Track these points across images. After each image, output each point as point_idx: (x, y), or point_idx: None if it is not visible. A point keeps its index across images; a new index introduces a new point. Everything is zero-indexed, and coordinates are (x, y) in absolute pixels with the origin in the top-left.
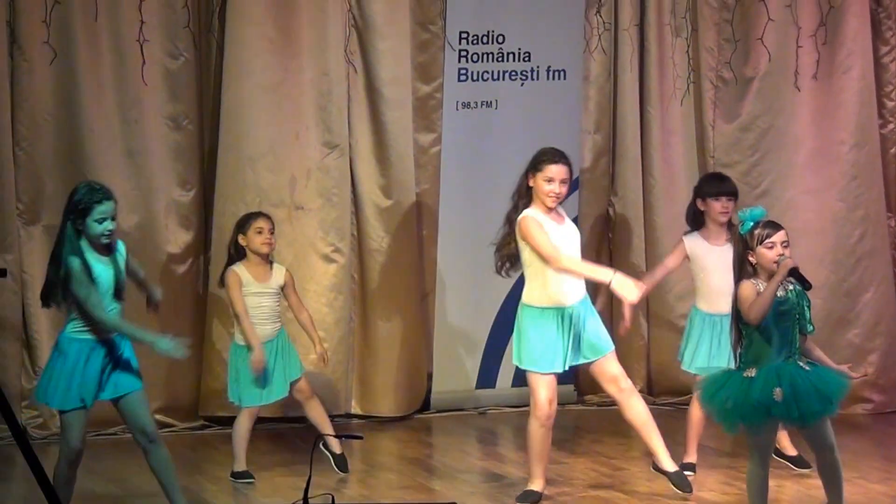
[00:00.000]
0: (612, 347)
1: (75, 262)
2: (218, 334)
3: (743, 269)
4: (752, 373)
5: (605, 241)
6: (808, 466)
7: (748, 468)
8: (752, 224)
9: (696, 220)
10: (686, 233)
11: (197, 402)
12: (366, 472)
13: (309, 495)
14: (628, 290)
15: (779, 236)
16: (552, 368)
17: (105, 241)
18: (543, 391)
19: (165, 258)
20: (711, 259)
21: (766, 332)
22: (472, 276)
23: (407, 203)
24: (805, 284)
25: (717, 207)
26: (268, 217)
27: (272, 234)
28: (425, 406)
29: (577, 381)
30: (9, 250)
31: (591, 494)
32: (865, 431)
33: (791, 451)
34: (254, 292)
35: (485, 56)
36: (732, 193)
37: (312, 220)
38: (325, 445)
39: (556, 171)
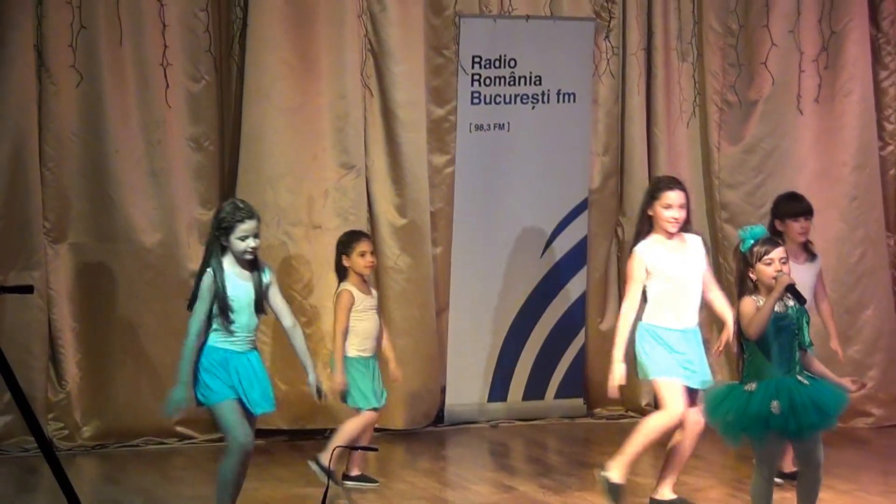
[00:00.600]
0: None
1: (206, 277)
2: None
3: (744, 285)
4: (752, 387)
5: (614, 261)
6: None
7: (753, 480)
8: (752, 242)
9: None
10: None
11: None
12: (381, 484)
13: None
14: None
15: (777, 253)
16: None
17: (248, 257)
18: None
19: (187, 275)
20: (796, 277)
21: (765, 346)
22: (486, 292)
23: (421, 222)
24: (801, 300)
25: (797, 228)
26: (369, 238)
27: (373, 255)
28: (439, 419)
29: (587, 395)
30: (36, 267)
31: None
32: (866, 444)
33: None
34: (362, 309)
35: (497, 80)
36: (810, 212)
37: (330, 239)
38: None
39: (673, 197)
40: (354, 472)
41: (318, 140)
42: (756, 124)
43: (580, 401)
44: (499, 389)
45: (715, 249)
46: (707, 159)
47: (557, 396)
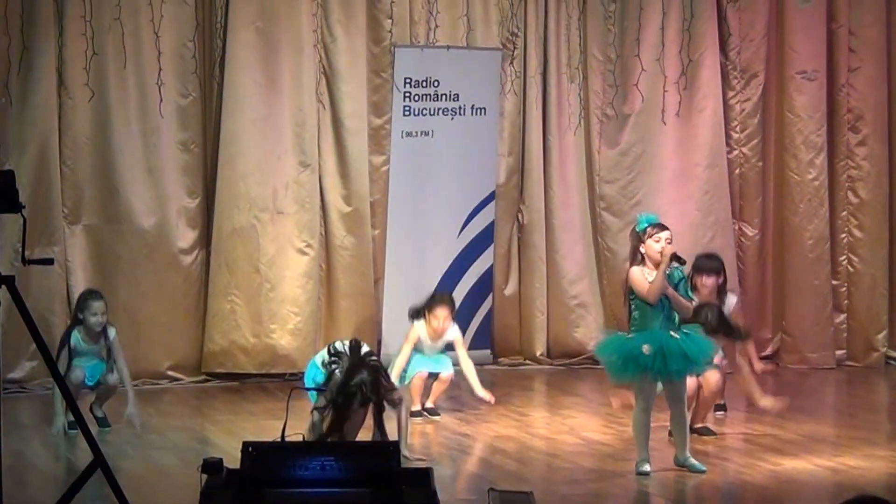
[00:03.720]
0: None
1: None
2: (216, 310)
3: (634, 258)
4: (632, 335)
5: (515, 241)
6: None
7: (634, 413)
8: (646, 224)
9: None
10: None
11: (200, 361)
12: None
13: (284, 434)
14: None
15: (663, 234)
16: None
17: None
18: None
19: (177, 251)
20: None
21: (647, 306)
22: (413, 265)
23: (363, 209)
24: (681, 261)
25: (704, 281)
26: (448, 304)
27: (447, 320)
28: None
29: (493, 346)
30: (56, 244)
31: (502, 434)
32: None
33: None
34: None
35: (424, 97)
36: (717, 271)
37: (290, 222)
38: None
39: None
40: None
41: (280, 143)
42: (629, 133)
43: (488, 351)
44: None
45: (594, 232)
46: (590, 160)
47: (470, 348)
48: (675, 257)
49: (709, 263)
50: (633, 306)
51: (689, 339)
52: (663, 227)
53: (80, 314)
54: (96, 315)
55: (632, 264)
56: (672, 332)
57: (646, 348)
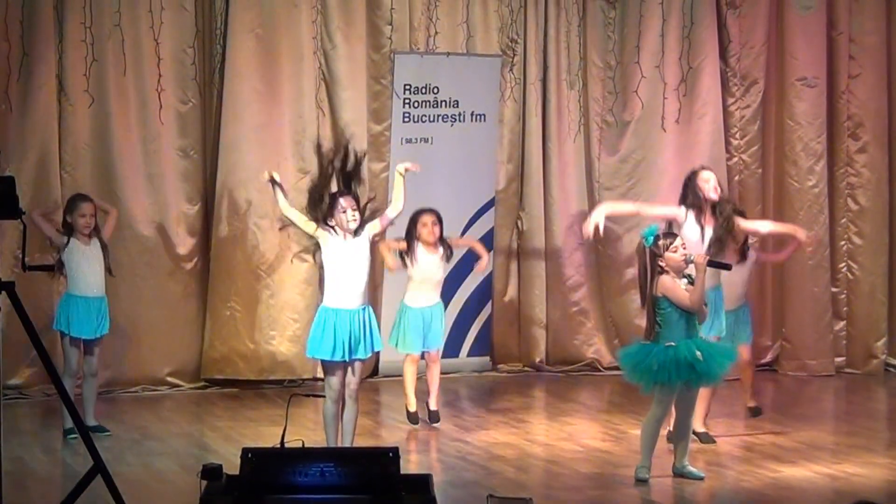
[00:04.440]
0: None
1: None
2: (215, 316)
3: (654, 273)
4: (672, 343)
5: (515, 246)
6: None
7: (646, 419)
8: (653, 238)
9: None
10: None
11: (199, 367)
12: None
13: (284, 440)
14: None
15: (679, 241)
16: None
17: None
18: None
19: (177, 257)
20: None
21: (673, 315)
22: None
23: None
24: (726, 267)
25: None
26: (432, 211)
27: (435, 226)
28: (375, 372)
29: (493, 353)
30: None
31: (501, 441)
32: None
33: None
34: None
35: (423, 103)
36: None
37: (289, 229)
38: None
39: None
40: None
41: (280, 150)
42: (629, 140)
43: (487, 358)
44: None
45: (594, 239)
46: (590, 167)
47: (469, 355)
48: (714, 264)
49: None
50: (658, 316)
51: (714, 348)
52: (673, 235)
53: (69, 217)
54: (84, 216)
55: (652, 279)
56: (697, 342)
57: (699, 354)
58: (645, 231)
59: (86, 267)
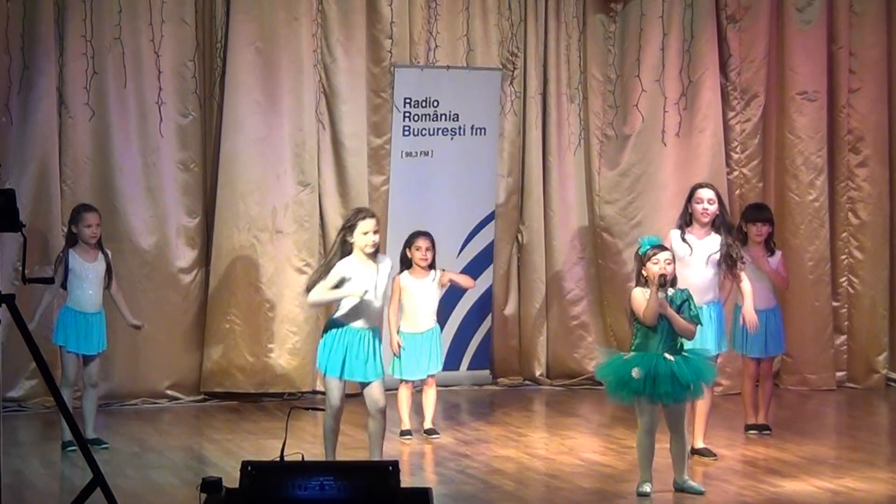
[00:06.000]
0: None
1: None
2: (215, 329)
3: (637, 279)
4: (629, 357)
5: (515, 261)
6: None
7: (637, 435)
8: (647, 246)
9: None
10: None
11: (199, 380)
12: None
13: (283, 453)
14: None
15: (662, 255)
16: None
17: (369, 250)
18: None
19: (176, 270)
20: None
21: (647, 328)
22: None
23: None
24: (665, 285)
25: (754, 231)
26: (426, 235)
27: (428, 251)
28: None
29: (492, 367)
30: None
31: (501, 454)
32: (715, 409)
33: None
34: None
35: (423, 116)
36: (768, 220)
37: (289, 242)
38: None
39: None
40: None
41: (280, 163)
42: (629, 153)
43: (487, 372)
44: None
45: (594, 253)
46: (590, 181)
47: (469, 368)
48: (661, 281)
49: (760, 213)
50: (635, 328)
51: (686, 362)
52: (663, 249)
53: (74, 227)
54: (90, 226)
55: (636, 286)
56: (667, 355)
57: (635, 372)
58: (642, 239)
59: (85, 282)
